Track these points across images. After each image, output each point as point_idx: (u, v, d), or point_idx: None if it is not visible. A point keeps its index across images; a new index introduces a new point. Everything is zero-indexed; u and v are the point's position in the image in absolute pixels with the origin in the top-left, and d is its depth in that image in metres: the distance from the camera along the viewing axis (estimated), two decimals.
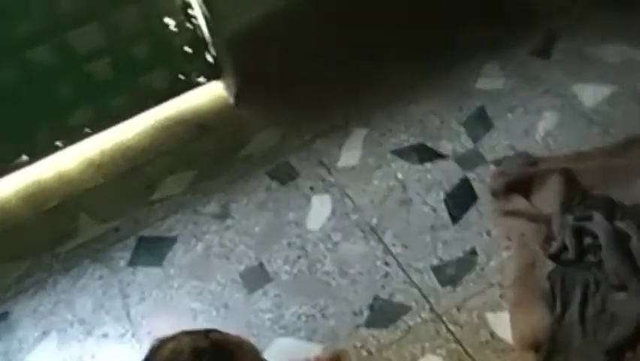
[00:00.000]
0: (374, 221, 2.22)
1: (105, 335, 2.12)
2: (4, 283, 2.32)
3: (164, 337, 1.29)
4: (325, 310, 2.04)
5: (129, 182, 2.57)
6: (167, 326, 2.06)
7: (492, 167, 2.24)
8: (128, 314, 2.16)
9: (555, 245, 1.86)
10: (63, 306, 2.23)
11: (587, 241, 1.81)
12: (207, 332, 1.29)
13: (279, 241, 2.24)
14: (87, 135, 2.67)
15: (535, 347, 1.72)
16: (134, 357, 2.01)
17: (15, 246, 2.42)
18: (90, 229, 2.42)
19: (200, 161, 2.57)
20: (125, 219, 2.43)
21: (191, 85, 2.78)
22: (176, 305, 2.15)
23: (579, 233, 1.84)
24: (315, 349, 1.96)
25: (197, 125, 2.71)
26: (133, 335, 2.09)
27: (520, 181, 2.07)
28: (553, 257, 1.84)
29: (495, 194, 2.09)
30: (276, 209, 2.34)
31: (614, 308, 1.65)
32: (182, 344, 1.23)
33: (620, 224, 1.81)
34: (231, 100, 2.76)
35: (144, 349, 1.29)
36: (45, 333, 2.17)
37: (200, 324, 2.07)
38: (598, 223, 1.81)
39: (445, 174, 2.28)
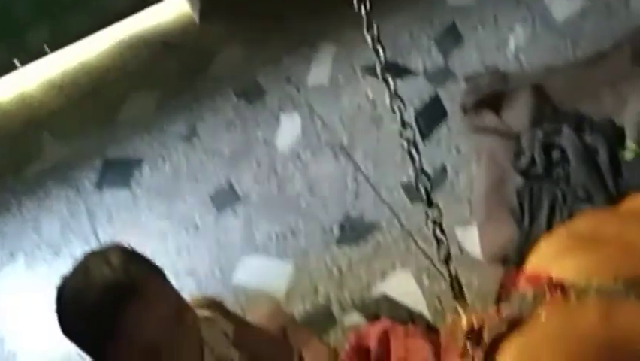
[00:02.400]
0: (344, 139, 2.20)
1: (73, 256, 2.10)
2: None
3: (80, 262, 1.25)
4: (296, 229, 2.04)
5: (93, 103, 2.50)
6: (136, 247, 2.07)
7: (463, 83, 2.22)
8: (96, 235, 2.14)
9: (524, 160, 1.86)
10: (29, 228, 2.20)
11: (556, 155, 1.82)
12: (128, 264, 1.23)
13: (248, 160, 2.22)
14: (46, 53, 2.57)
15: (503, 261, 1.74)
16: None
17: None
18: (55, 151, 2.37)
19: (165, 80, 2.50)
20: (90, 140, 2.38)
21: (154, 0, 2.67)
22: (144, 226, 2.13)
23: (548, 148, 1.84)
24: (287, 267, 1.97)
25: (162, 44, 2.63)
26: None
27: (490, 97, 2.05)
28: (522, 172, 1.85)
29: (465, 110, 2.08)
30: (245, 128, 2.30)
31: None
32: (93, 278, 1.20)
33: (588, 138, 1.81)
34: (196, 17, 2.67)
35: None
36: (12, 255, 2.15)
37: (170, 244, 2.07)
38: (567, 137, 1.81)
39: (416, 90, 2.25)
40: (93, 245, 2.11)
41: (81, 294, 1.20)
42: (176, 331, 1.24)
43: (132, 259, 1.27)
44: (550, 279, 0.90)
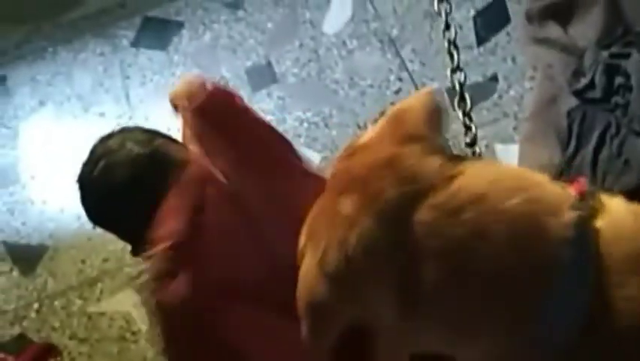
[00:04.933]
0: (394, 32, 2.06)
1: (102, 114, 2.07)
2: (3, 45, 2.23)
3: (101, 143, 1.17)
4: (329, 120, 1.96)
5: None
6: (165, 113, 2.02)
7: None
8: (127, 96, 2.09)
9: (583, 81, 1.71)
10: (62, 79, 2.16)
11: (619, 80, 1.66)
12: (153, 137, 1.15)
13: (291, 40, 2.11)
14: None
15: None
16: None
17: (16, 7, 2.29)
18: (95, 1, 2.28)
19: None
20: None
21: None
22: None
23: (612, 71, 1.68)
24: (314, 157, 1.90)
25: None
26: (130, 118, 2.04)
27: (559, 6, 1.86)
28: (578, 93, 1.71)
29: (529, 18, 1.90)
30: (293, 5, 2.17)
31: (630, 154, 1.54)
32: (119, 156, 1.12)
33: None
34: None
35: None
36: (42, 103, 2.12)
37: None
38: (634, 63, 1.65)
39: None
40: (123, 105, 2.07)
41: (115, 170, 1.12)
42: None
43: (154, 133, 1.21)
44: None
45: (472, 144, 1.21)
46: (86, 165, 1.16)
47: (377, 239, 0.70)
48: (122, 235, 1.18)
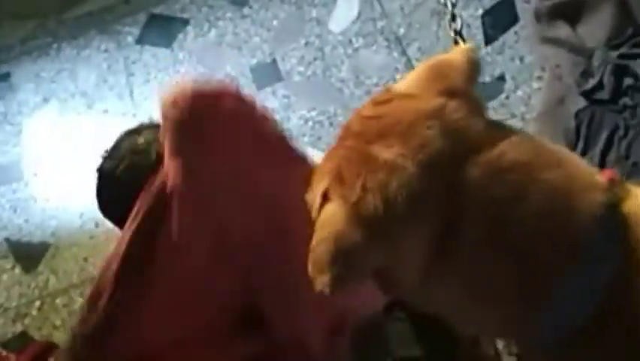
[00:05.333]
0: (401, 31, 2.04)
1: (106, 111, 2.06)
2: (8, 42, 2.22)
3: (127, 139, 1.19)
4: (334, 119, 1.94)
5: None
6: None
7: None
8: (131, 93, 2.08)
9: (591, 82, 1.68)
10: (66, 75, 2.15)
11: (627, 81, 1.64)
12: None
13: (296, 38, 2.09)
14: None
15: None
16: None
17: (21, 4, 2.29)
18: None
19: None
20: None
21: None
22: None
23: (620, 72, 1.66)
24: (318, 155, 1.88)
25: None
26: (134, 115, 2.03)
27: (568, 6, 1.84)
28: (587, 94, 1.68)
29: (538, 17, 1.88)
30: (298, 3, 2.15)
31: (638, 157, 1.52)
32: (145, 159, 1.14)
33: None
34: None
35: None
36: (46, 100, 2.11)
37: None
38: None
39: None
40: (127, 102, 2.06)
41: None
42: None
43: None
44: None
45: None
46: (109, 158, 1.16)
47: (422, 187, 0.69)
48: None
